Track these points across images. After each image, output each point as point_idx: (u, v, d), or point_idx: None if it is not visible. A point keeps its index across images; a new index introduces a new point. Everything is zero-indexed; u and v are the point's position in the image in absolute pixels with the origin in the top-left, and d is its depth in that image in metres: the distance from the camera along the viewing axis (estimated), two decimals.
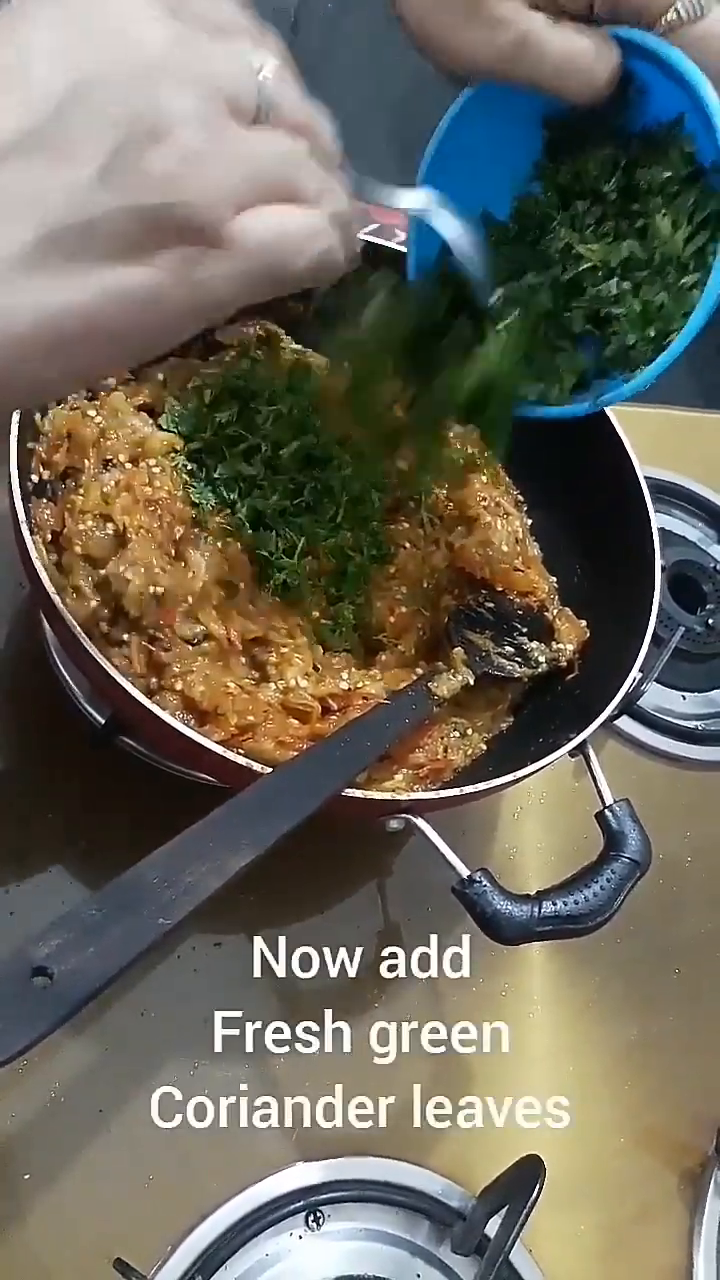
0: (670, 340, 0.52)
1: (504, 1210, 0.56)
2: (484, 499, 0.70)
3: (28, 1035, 0.35)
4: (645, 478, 0.67)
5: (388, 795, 0.55)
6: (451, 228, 0.50)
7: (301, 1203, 0.59)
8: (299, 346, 0.72)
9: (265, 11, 0.38)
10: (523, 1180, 0.55)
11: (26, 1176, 0.58)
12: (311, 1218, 0.59)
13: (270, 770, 0.50)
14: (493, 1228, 0.57)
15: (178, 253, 0.33)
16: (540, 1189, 0.53)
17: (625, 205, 0.56)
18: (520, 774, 0.56)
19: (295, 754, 0.54)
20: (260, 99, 0.35)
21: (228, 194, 0.33)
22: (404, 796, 0.55)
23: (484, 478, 0.71)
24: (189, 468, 0.62)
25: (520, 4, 0.49)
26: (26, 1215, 0.57)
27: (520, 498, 0.74)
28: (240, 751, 0.52)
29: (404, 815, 0.54)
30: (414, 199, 0.49)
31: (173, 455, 0.62)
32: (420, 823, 0.54)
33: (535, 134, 0.58)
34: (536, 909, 0.52)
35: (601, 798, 0.58)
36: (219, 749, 0.51)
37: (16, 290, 0.31)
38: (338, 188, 0.38)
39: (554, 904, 0.52)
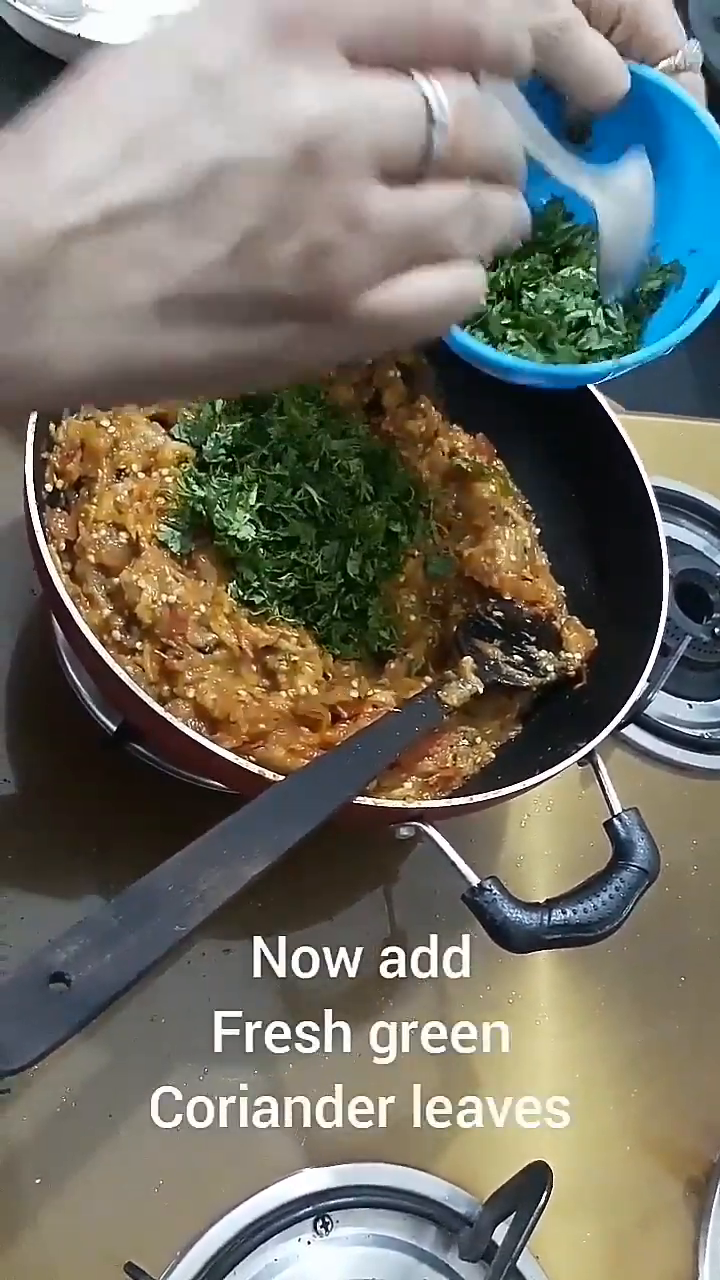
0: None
1: (511, 1217, 0.56)
2: (492, 508, 0.70)
3: (46, 1041, 0.36)
4: (652, 487, 0.68)
5: (398, 803, 0.55)
6: None
7: (309, 1208, 0.60)
8: None
9: None
10: (530, 1187, 0.55)
11: (38, 1181, 0.58)
12: (319, 1223, 0.60)
13: (282, 778, 0.51)
14: (500, 1234, 0.57)
15: (300, 328, 0.33)
16: (548, 1196, 0.54)
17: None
18: (529, 782, 0.56)
19: (306, 762, 0.55)
20: (427, 145, 0.33)
21: (358, 282, 0.33)
22: (414, 804, 0.55)
23: (492, 487, 0.71)
24: (200, 477, 0.63)
25: None
26: (38, 1220, 0.57)
27: (528, 506, 0.74)
28: (251, 759, 0.53)
29: (413, 823, 0.55)
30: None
31: (185, 465, 0.63)
32: (430, 830, 0.54)
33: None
34: (546, 917, 0.52)
35: (610, 806, 0.58)
36: (231, 756, 0.52)
37: (148, 336, 0.32)
38: (500, 220, 0.36)
39: (563, 912, 0.53)
